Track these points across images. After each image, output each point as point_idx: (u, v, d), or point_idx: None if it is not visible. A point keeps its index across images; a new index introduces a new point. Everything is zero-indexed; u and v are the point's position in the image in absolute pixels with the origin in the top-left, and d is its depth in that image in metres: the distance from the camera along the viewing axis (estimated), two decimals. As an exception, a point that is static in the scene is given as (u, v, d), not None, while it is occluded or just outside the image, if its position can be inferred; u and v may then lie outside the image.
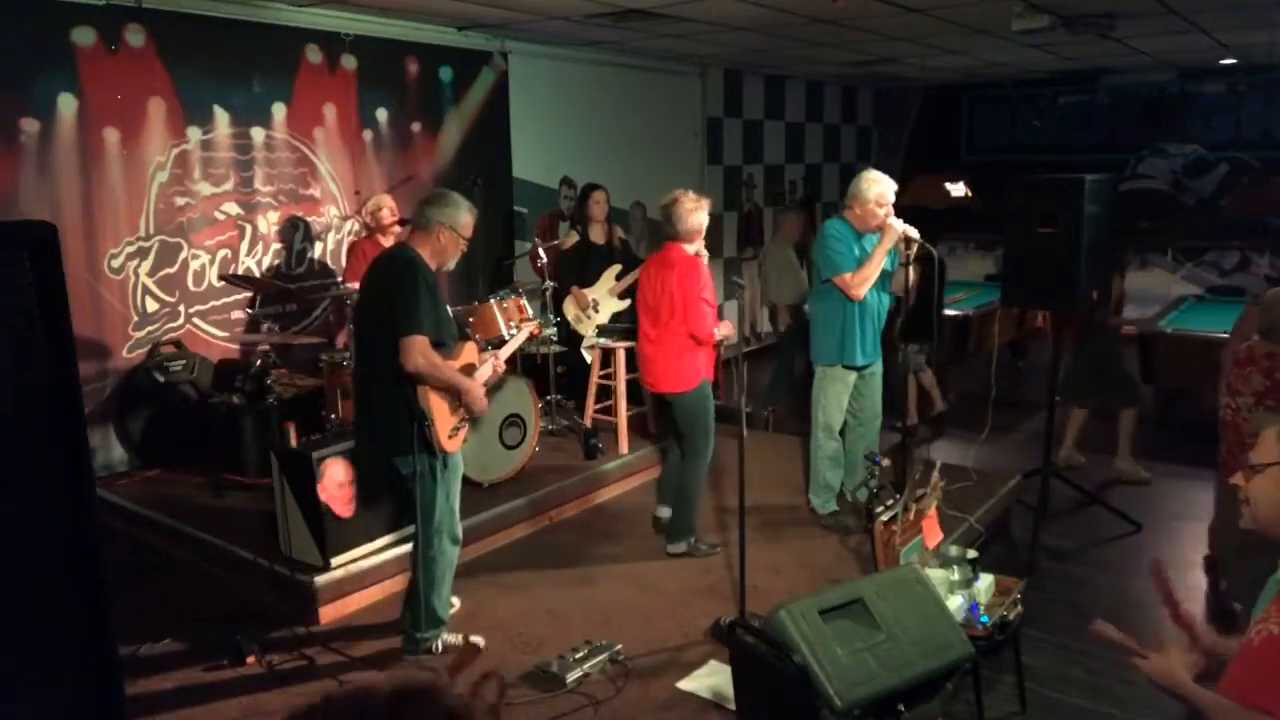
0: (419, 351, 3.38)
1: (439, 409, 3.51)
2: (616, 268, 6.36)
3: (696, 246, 4.54)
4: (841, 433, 4.94)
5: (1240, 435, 3.91)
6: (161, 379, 5.44)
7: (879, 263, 4.62)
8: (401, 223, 5.44)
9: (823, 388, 4.87)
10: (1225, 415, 4.06)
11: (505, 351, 4.16)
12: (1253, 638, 1.79)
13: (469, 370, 3.71)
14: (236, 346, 5.95)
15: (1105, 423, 6.32)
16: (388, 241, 5.23)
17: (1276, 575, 1.88)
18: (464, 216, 3.60)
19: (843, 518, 4.95)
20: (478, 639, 3.82)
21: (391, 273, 3.53)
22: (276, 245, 6.18)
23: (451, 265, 3.71)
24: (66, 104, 5.09)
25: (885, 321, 4.91)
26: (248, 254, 6.02)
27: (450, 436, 3.57)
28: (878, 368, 4.93)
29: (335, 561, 4.11)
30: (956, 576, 3.54)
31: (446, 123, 7.09)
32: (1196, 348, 6.89)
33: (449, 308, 3.74)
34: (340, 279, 5.83)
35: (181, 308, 5.72)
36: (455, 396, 3.58)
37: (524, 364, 6.08)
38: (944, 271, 7.59)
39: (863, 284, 4.62)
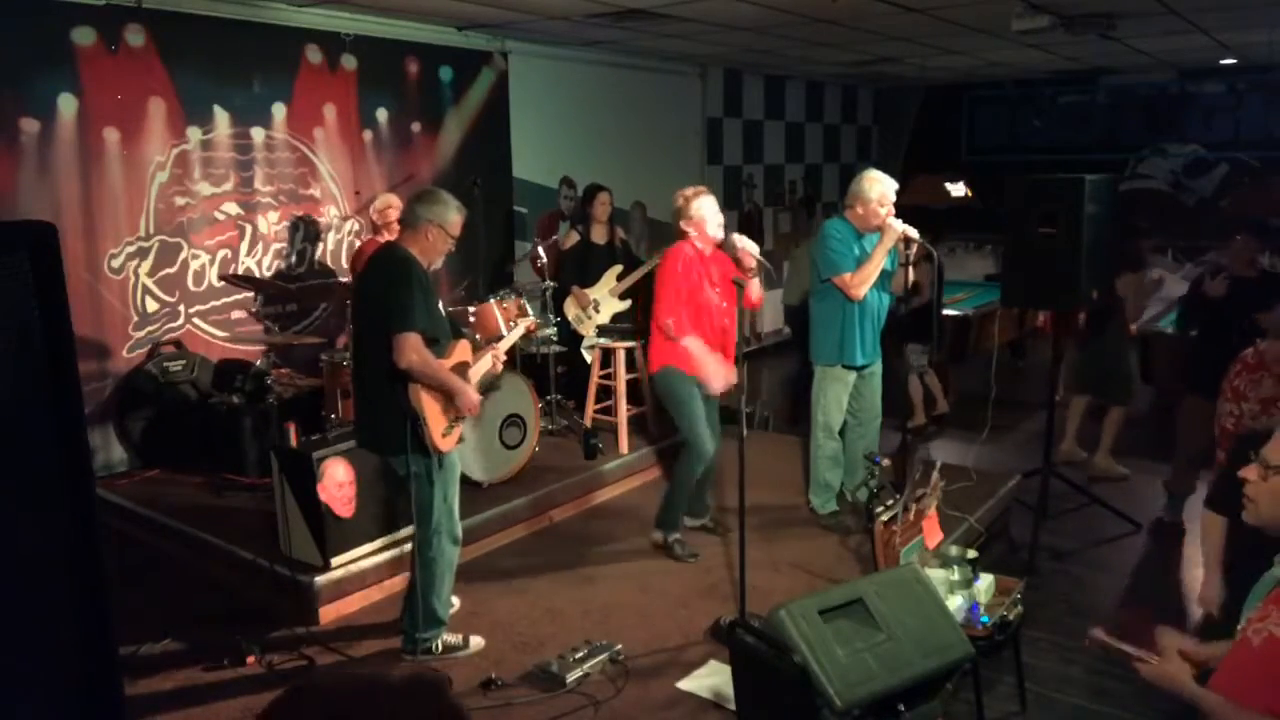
0: (412, 348, 3.38)
1: (431, 408, 3.51)
2: (618, 268, 6.36)
3: (704, 238, 4.35)
4: (841, 433, 4.94)
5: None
6: (161, 379, 5.44)
7: (879, 263, 4.61)
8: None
9: (822, 388, 4.87)
10: (1226, 425, 3.93)
11: (502, 346, 4.15)
12: (1250, 636, 1.78)
13: (463, 368, 3.71)
14: (237, 346, 5.95)
15: (1102, 420, 6.32)
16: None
17: (1273, 572, 1.88)
18: (452, 215, 3.60)
19: (843, 518, 4.95)
20: (478, 639, 3.83)
21: (385, 271, 3.52)
22: (276, 245, 6.18)
23: (439, 264, 3.71)
24: (66, 104, 5.09)
25: (885, 321, 4.91)
26: (248, 254, 6.02)
27: (444, 436, 3.57)
28: (877, 367, 4.92)
29: (335, 561, 4.11)
30: (956, 576, 3.53)
31: (446, 123, 7.09)
32: (1196, 348, 6.86)
33: (444, 307, 3.73)
34: (345, 279, 5.82)
35: (181, 308, 5.71)
36: (448, 396, 3.58)
37: (524, 364, 6.08)
38: (942, 272, 7.61)
39: (862, 284, 4.61)
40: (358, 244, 6.14)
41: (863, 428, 4.97)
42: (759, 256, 4.27)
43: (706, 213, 4.36)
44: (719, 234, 4.37)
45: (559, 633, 3.92)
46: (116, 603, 1.51)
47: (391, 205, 5.53)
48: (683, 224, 4.40)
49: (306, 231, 6.33)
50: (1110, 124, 11.27)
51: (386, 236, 5.41)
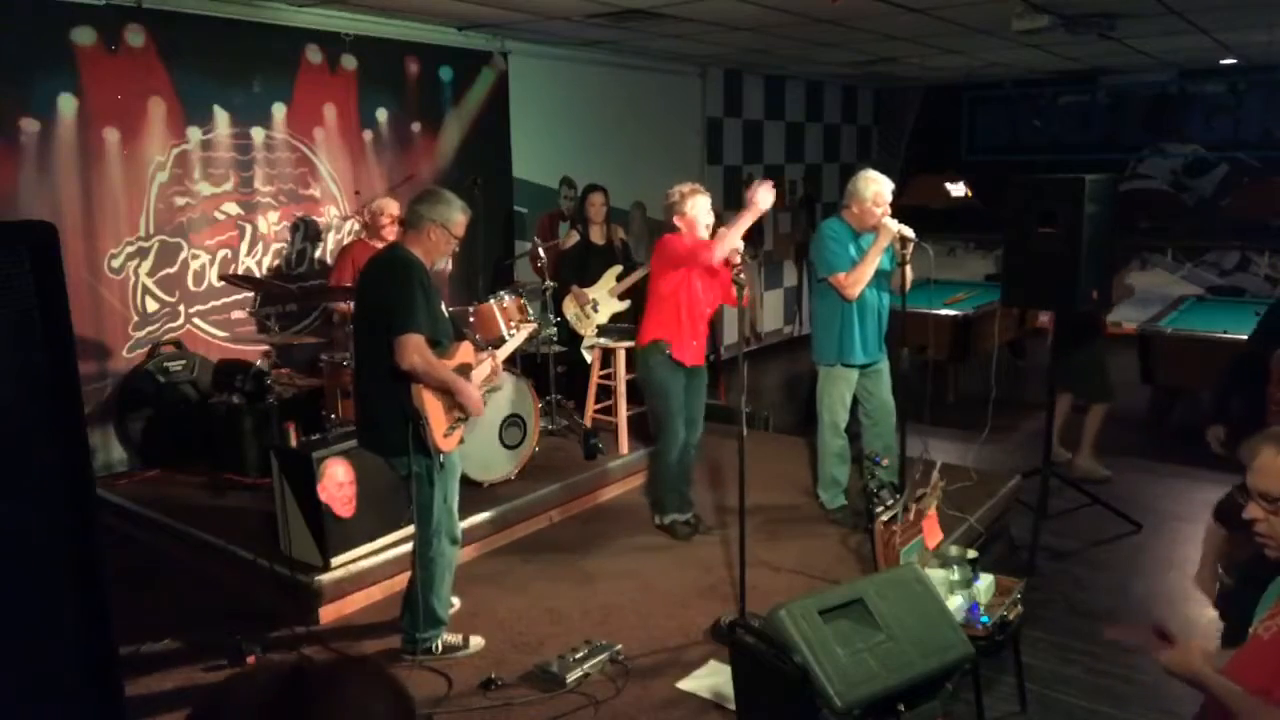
0: (415, 350, 3.38)
1: (434, 409, 3.51)
2: (617, 268, 6.37)
3: (692, 238, 4.45)
4: (858, 434, 4.92)
5: None
6: (161, 379, 5.44)
7: (873, 263, 4.61)
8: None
9: (826, 387, 4.87)
10: (1272, 409, 4.02)
11: (504, 352, 4.16)
12: (1261, 634, 1.79)
13: (464, 370, 3.71)
14: (237, 346, 5.94)
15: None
16: (381, 244, 5.21)
17: None
18: (456, 215, 3.60)
19: (850, 511, 4.93)
20: (478, 639, 3.83)
21: (387, 273, 3.53)
22: (276, 245, 6.18)
23: (441, 264, 3.71)
24: (66, 104, 5.08)
25: (887, 319, 4.91)
26: (248, 254, 6.02)
27: (446, 436, 3.57)
28: (884, 365, 4.90)
29: (335, 561, 4.11)
30: (956, 576, 3.54)
31: (446, 123, 7.09)
32: (1196, 348, 6.88)
33: (446, 308, 3.74)
34: (328, 281, 5.74)
35: (181, 308, 5.71)
36: (450, 396, 3.58)
37: (524, 364, 6.07)
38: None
39: (856, 284, 4.61)
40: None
41: (878, 426, 4.93)
42: (745, 258, 4.22)
43: (699, 213, 4.51)
44: (706, 236, 4.45)
45: (559, 633, 3.92)
46: (116, 603, 1.51)
47: (384, 211, 5.48)
48: (675, 219, 4.54)
49: (306, 231, 6.33)
50: (1110, 124, 11.27)
51: (377, 242, 5.38)
